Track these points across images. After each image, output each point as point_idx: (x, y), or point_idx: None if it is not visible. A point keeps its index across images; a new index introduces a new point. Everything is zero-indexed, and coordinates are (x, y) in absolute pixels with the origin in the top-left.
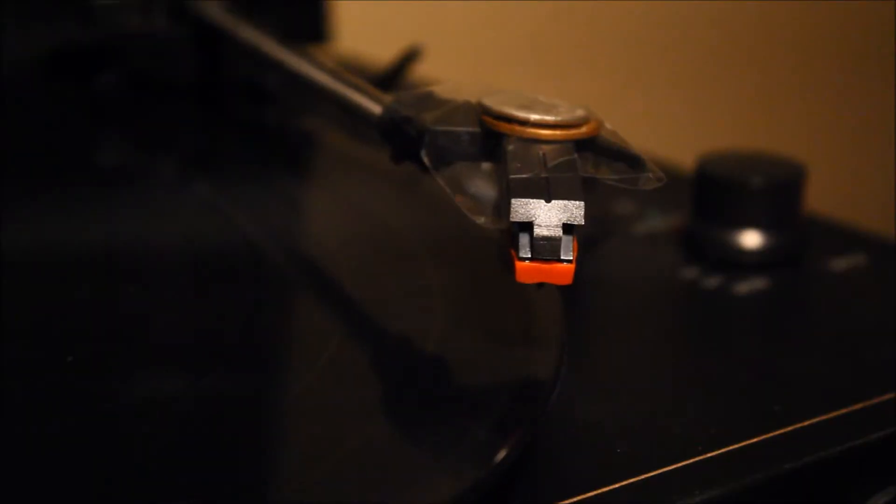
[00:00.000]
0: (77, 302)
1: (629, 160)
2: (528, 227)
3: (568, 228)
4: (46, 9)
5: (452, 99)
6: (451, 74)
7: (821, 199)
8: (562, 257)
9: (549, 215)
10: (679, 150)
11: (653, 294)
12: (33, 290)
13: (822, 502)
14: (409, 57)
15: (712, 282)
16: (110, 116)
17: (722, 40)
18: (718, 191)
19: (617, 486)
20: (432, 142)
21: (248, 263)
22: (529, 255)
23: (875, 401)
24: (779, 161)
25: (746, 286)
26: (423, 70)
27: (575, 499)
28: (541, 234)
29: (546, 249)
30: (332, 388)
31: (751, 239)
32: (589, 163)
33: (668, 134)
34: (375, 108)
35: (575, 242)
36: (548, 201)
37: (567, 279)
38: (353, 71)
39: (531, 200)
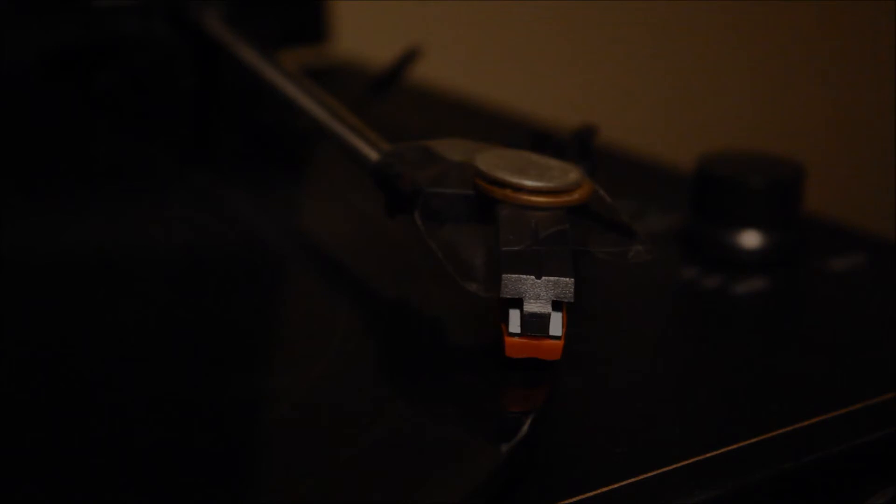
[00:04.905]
0: (77, 302)
1: (620, 229)
2: (518, 302)
3: (557, 305)
4: (46, 9)
5: (447, 157)
6: (451, 74)
7: (821, 199)
8: (550, 334)
9: (538, 291)
10: (679, 149)
11: (652, 294)
12: (32, 290)
13: (822, 502)
14: (409, 57)
15: (712, 282)
16: (109, 117)
17: (722, 40)
18: (718, 190)
19: (617, 486)
20: (425, 204)
21: (248, 263)
22: (519, 331)
23: (875, 401)
24: (779, 161)
25: (746, 286)
26: (422, 70)
27: (575, 499)
28: (530, 310)
29: (535, 326)
30: (333, 389)
31: (750, 239)
32: (580, 230)
33: (668, 133)
34: (371, 154)
35: (564, 318)
36: (538, 277)
37: (555, 355)
38: (353, 72)
39: (521, 276)
